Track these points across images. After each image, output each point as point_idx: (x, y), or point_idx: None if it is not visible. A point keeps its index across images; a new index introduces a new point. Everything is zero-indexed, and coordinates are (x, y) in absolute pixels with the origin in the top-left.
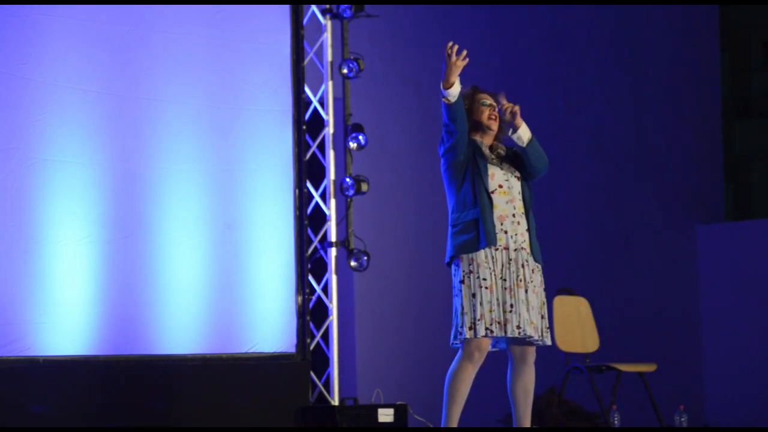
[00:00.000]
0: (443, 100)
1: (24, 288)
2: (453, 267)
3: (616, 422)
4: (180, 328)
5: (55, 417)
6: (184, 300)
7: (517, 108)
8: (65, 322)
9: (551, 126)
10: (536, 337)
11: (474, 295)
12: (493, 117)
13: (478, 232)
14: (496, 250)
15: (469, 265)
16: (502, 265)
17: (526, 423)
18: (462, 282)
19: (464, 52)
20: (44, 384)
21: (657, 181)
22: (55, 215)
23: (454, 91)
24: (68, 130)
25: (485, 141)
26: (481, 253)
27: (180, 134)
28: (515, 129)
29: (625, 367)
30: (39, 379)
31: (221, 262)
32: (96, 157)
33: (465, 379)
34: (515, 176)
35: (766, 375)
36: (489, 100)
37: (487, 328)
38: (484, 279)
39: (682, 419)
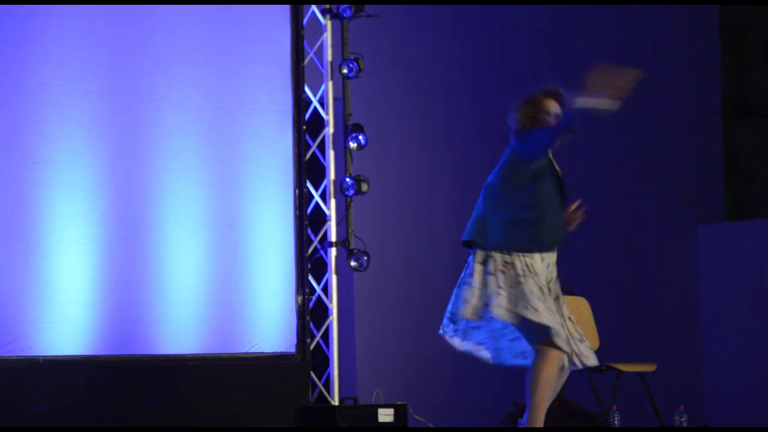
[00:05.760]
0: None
1: (24, 288)
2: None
3: (616, 422)
4: (180, 328)
5: (55, 417)
6: (184, 300)
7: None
8: (65, 322)
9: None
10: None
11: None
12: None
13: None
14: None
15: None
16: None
17: (539, 423)
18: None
19: None
20: (44, 384)
21: (657, 181)
22: (56, 215)
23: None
24: (69, 130)
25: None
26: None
27: (180, 134)
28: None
29: (625, 367)
30: (39, 379)
31: (221, 261)
32: (96, 156)
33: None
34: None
35: (766, 375)
36: (553, 108)
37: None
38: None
39: (682, 419)
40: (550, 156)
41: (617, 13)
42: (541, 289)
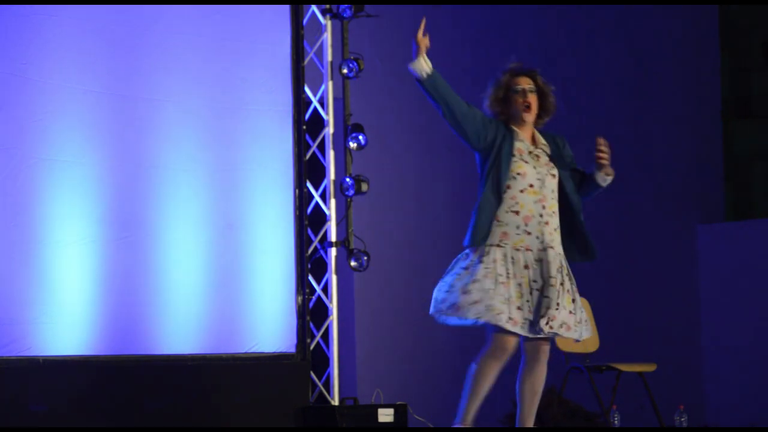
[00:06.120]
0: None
1: (24, 288)
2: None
3: (616, 422)
4: (180, 328)
5: (55, 417)
6: (184, 300)
7: (607, 156)
8: (65, 322)
9: (551, 126)
10: (564, 334)
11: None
12: (527, 105)
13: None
14: (517, 250)
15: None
16: (528, 267)
17: (529, 423)
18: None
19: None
20: (44, 384)
21: (657, 181)
22: (56, 215)
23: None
24: (69, 130)
25: (525, 133)
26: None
27: (180, 134)
28: (602, 173)
29: (625, 367)
30: (39, 379)
31: (221, 262)
32: (96, 156)
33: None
34: (551, 174)
35: (766, 375)
36: (522, 85)
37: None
38: (500, 275)
39: (682, 419)
40: (522, 139)
41: (617, 13)
42: (496, 278)
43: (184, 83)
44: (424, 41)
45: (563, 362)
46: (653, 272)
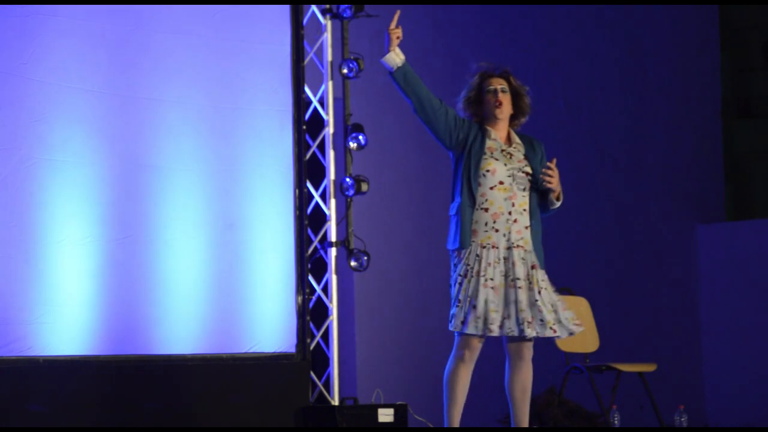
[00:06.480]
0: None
1: (24, 288)
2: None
3: (616, 422)
4: (180, 328)
5: (54, 417)
6: (184, 300)
7: (554, 180)
8: (65, 322)
9: (551, 126)
10: (532, 334)
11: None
12: (499, 103)
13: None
14: (483, 247)
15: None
16: (490, 264)
17: (524, 422)
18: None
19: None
20: (44, 384)
21: (657, 181)
22: (56, 215)
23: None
24: (69, 130)
25: (499, 132)
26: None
27: (180, 134)
28: (552, 196)
29: (625, 367)
30: (39, 379)
31: (221, 262)
32: (96, 156)
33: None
34: (524, 172)
35: (766, 375)
36: (493, 86)
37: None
38: (460, 275)
39: (682, 419)
40: (492, 138)
41: (617, 14)
42: (458, 281)
43: (184, 83)
44: (395, 33)
45: (563, 362)
46: (653, 272)
